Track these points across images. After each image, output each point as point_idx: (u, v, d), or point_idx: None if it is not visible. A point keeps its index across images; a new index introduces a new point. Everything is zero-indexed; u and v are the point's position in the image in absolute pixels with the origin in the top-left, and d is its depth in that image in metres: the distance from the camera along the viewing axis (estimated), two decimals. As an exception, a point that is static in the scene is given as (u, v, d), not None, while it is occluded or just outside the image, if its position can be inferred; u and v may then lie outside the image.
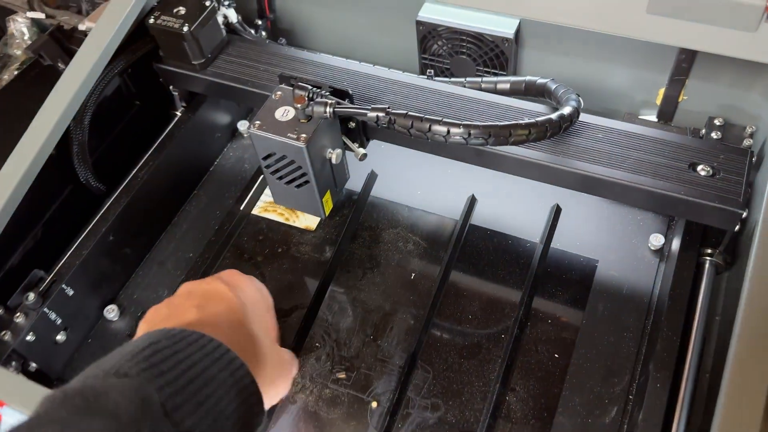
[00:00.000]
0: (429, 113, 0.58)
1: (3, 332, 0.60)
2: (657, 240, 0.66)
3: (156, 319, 0.42)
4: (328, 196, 0.65)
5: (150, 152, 0.72)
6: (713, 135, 0.65)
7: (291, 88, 0.60)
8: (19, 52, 0.92)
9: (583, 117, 0.62)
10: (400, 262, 0.69)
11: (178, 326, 0.36)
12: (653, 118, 0.72)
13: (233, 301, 0.39)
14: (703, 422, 0.53)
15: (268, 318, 0.45)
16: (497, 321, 0.64)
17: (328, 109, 0.56)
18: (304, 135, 0.57)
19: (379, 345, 0.64)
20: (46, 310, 0.62)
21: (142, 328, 0.44)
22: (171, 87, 0.74)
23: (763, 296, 0.48)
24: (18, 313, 0.61)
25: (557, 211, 0.70)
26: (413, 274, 0.68)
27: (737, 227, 0.56)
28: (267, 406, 0.39)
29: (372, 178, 0.76)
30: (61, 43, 0.74)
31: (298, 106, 0.57)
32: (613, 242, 0.68)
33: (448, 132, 0.55)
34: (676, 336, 0.56)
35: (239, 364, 0.35)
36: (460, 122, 0.54)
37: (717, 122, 0.66)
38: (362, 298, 0.67)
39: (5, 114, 0.79)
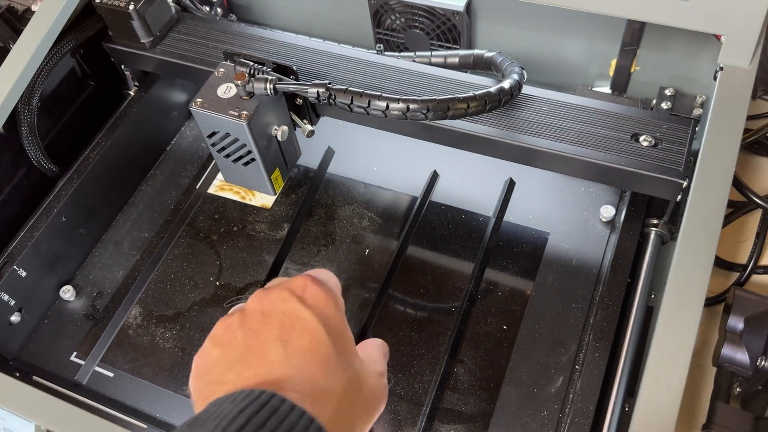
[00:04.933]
0: (375, 89, 0.57)
1: (-46, 314, 0.60)
2: (607, 212, 0.66)
3: (230, 357, 0.32)
4: (277, 173, 0.65)
5: (102, 132, 0.71)
6: (663, 105, 0.65)
7: (233, 65, 0.59)
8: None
9: (530, 90, 0.62)
10: (355, 238, 0.70)
11: (262, 377, 0.29)
12: (607, 89, 0.72)
13: (319, 333, 0.31)
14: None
15: (347, 334, 0.37)
16: (448, 295, 0.65)
17: (268, 86, 0.56)
18: (245, 112, 0.57)
19: (331, 320, 0.64)
20: (-2, 291, 0.62)
21: (213, 355, 0.34)
22: (122, 66, 0.73)
23: (689, 266, 0.48)
24: (-31, 295, 0.61)
25: (510, 185, 0.70)
26: (368, 250, 0.69)
27: (679, 197, 0.56)
28: None
29: (329, 154, 0.76)
30: (12, 24, 0.73)
31: (239, 82, 0.56)
32: (565, 215, 0.68)
33: (387, 107, 0.54)
34: (616, 306, 0.56)
35: None
36: (398, 97, 0.54)
37: (668, 92, 0.66)
38: (316, 275, 0.67)
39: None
